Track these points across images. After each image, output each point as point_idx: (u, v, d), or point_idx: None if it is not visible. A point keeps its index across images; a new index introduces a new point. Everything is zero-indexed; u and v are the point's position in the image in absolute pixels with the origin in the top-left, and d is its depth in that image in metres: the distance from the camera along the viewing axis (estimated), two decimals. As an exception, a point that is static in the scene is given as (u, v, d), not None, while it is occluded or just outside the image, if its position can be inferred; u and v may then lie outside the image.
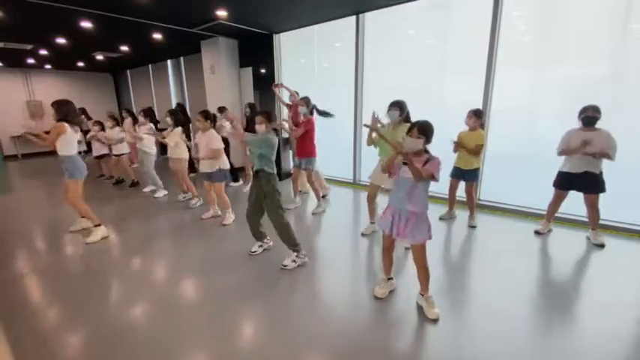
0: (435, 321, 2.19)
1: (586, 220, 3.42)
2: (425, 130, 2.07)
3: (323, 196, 5.08)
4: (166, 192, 5.41)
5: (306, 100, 4.19)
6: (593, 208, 3.23)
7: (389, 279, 2.53)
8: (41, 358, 1.95)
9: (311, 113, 4.21)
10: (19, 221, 4.34)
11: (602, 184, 3.13)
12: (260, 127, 2.85)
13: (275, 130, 2.96)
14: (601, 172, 3.12)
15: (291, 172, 6.22)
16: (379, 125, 3.64)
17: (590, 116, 3.02)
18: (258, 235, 3.15)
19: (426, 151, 2.15)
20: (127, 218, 4.38)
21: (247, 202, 3.02)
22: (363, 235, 3.62)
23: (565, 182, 3.29)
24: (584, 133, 3.06)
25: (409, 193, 2.13)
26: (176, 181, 4.95)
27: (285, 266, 2.89)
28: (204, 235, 3.74)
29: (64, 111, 3.35)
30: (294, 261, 2.93)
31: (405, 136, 2.12)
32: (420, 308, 2.32)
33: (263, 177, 2.84)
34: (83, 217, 3.76)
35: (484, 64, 4.06)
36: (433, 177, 2.05)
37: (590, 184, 3.14)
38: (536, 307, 2.37)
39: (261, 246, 3.19)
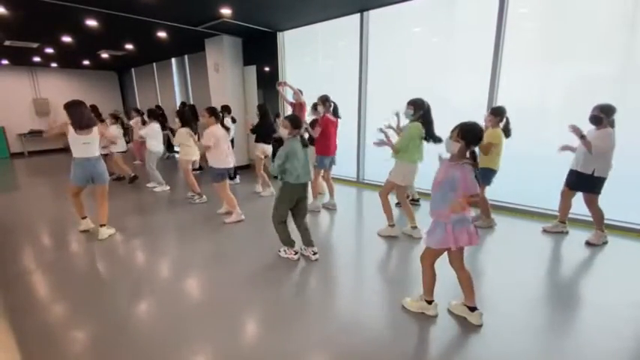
0: (403, 308, 2.26)
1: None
2: (466, 133, 1.89)
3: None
4: (167, 187, 5.51)
5: (323, 99, 4.11)
6: (590, 207, 3.22)
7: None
8: (47, 353, 1.97)
9: (334, 113, 4.19)
10: (25, 218, 4.38)
11: (593, 185, 3.08)
12: (283, 131, 2.84)
13: (301, 136, 2.91)
14: (593, 172, 3.04)
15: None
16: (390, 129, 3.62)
17: (590, 115, 3.01)
18: (307, 241, 3.08)
19: (473, 157, 1.93)
20: (130, 214, 4.41)
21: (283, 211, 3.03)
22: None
23: (568, 179, 3.28)
24: (592, 132, 3.03)
25: (433, 197, 2.06)
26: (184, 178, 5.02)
27: (279, 252, 3.07)
28: (208, 233, 3.75)
29: (78, 116, 3.32)
30: (285, 251, 3.06)
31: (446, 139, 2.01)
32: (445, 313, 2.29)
33: (280, 184, 2.95)
34: (84, 217, 3.77)
35: (490, 62, 4.03)
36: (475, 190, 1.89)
37: (581, 182, 3.15)
38: (541, 307, 2.34)
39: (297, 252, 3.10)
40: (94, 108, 7.81)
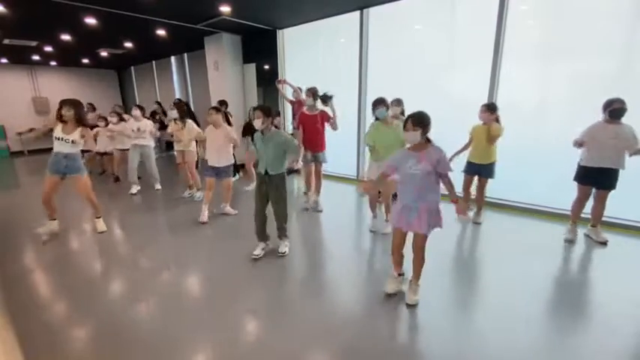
0: (411, 307, 2.27)
1: (606, 219, 3.39)
2: (418, 120, 2.06)
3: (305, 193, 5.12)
4: (139, 187, 5.33)
5: (312, 91, 4.02)
6: (602, 204, 3.17)
7: (399, 274, 2.48)
8: (49, 351, 1.97)
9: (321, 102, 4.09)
10: (26, 217, 4.37)
11: (617, 180, 3.05)
12: (257, 122, 2.78)
13: (275, 126, 2.94)
14: (620, 167, 3.01)
15: (295, 168, 6.24)
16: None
17: (618, 108, 2.87)
18: (264, 236, 3.11)
19: (428, 140, 2.14)
20: (134, 212, 4.42)
21: (255, 203, 2.98)
22: (371, 231, 3.60)
23: (588, 177, 3.12)
24: (610, 126, 2.94)
25: (419, 188, 2.12)
26: (183, 175, 4.96)
27: (284, 253, 3.04)
28: (208, 229, 3.76)
29: (83, 114, 3.44)
30: (286, 245, 3.10)
31: (403, 132, 2.13)
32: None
33: (277, 177, 2.88)
34: (54, 219, 3.68)
35: (490, 59, 4.01)
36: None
37: (609, 179, 3.05)
38: (541, 305, 2.35)
39: (263, 249, 3.12)
40: (92, 107, 7.79)
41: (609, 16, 3.56)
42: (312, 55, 6.29)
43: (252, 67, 6.67)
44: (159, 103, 8.31)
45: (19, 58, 8.92)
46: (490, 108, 3.48)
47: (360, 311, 2.29)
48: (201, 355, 1.93)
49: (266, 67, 6.46)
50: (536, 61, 4.06)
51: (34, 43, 6.85)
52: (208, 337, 2.05)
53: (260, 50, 6.47)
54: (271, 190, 2.90)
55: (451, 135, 3.79)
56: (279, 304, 2.38)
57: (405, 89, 4.00)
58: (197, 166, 6.14)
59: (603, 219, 3.39)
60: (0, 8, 4.52)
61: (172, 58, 9.17)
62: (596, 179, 3.09)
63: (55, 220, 3.67)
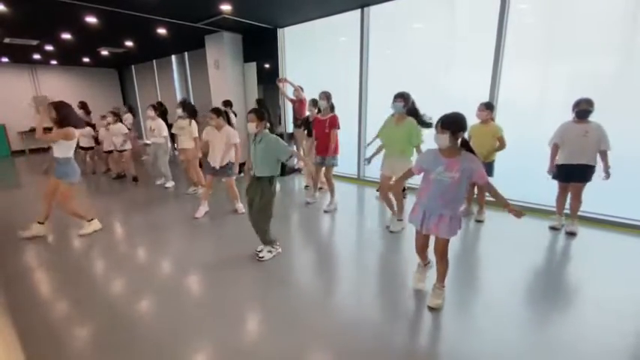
0: (431, 309, 2.23)
1: (600, 217, 3.52)
2: (448, 123, 1.94)
3: (319, 188, 5.10)
4: (173, 183, 5.56)
5: (327, 95, 3.99)
6: (577, 198, 3.29)
7: (426, 264, 2.49)
8: (48, 348, 1.98)
9: (332, 109, 4.06)
10: (26, 217, 4.38)
11: (592, 174, 3.17)
12: (250, 126, 2.76)
13: (269, 129, 2.87)
14: (594, 163, 3.15)
15: (296, 167, 6.26)
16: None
17: (583, 109, 3.07)
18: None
19: (464, 145, 2.02)
20: (133, 212, 4.42)
21: (247, 207, 2.96)
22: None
23: (563, 174, 3.32)
24: (578, 125, 3.13)
25: (443, 194, 2.04)
26: (185, 172, 5.00)
27: (262, 257, 2.94)
28: (212, 227, 3.75)
29: (65, 114, 3.33)
30: (269, 251, 2.99)
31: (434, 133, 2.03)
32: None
33: (264, 182, 2.81)
34: (41, 222, 3.61)
35: (491, 58, 4.00)
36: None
37: (582, 174, 3.19)
38: (540, 303, 2.34)
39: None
40: (83, 105, 7.78)
41: (610, 13, 3.54)
42: (312, 54, 6.28)
43: (252, 66, 6.66)
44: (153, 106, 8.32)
45: (20, 57, 8.92)
46: (488, 107, 3.58)
47: (364, 310, 2.29)
48: (203, 353, 1.94)
49: (267, 65, 6.45)
50: (535, 60, 4.05)
51: (34, 42, 6.84)
52: (208, 339, 2.05)
53: (261, 49, 6.46)
54: (256, 194, 2.83)
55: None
56: (280, 304, 2.38)
57: (405, 88, 3.97)
58: (200, 165, 6.22)
59: (610, 219, 3.56)
60: (0, 7, 4.52)
61: (173, 57, 9.17)
62: (572, 174, 3.24)
63: (42, 224, 3.62)
